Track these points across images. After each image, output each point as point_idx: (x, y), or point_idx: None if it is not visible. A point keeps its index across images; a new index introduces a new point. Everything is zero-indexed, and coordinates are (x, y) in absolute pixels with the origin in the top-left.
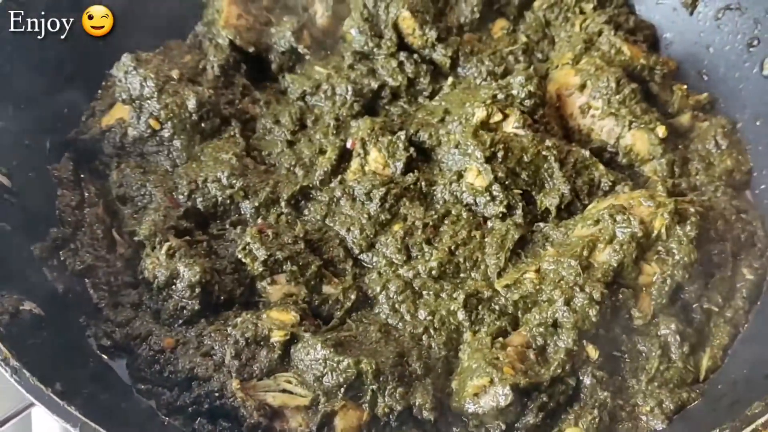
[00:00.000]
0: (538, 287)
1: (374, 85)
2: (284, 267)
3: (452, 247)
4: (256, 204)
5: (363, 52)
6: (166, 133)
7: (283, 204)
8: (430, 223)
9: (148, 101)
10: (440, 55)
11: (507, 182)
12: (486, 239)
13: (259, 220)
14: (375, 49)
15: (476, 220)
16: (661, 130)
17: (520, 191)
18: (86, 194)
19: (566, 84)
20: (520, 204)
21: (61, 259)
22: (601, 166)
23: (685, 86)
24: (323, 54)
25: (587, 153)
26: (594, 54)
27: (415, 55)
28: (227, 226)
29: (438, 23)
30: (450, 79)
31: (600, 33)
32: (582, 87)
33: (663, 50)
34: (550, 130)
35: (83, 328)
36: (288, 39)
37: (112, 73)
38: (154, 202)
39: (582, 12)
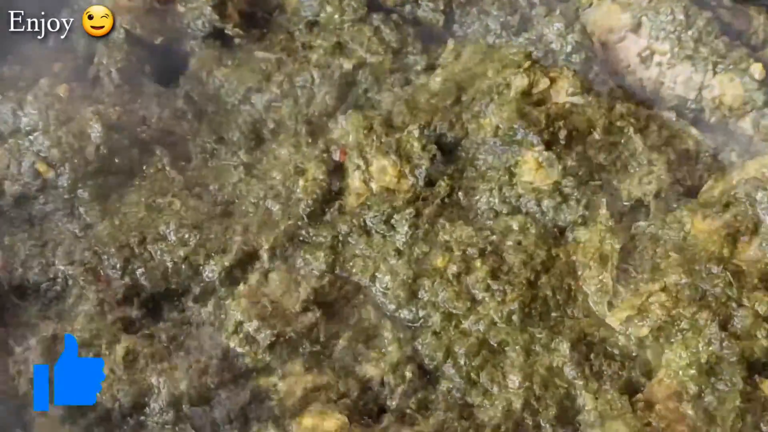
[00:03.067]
0: (673, 312)
1: (347, 65)
2: (300, 349)
3: (531, 278)
4: (226, 264)
5: (318, 21)
6: (64, 182)
7: (265, 258)
8: (488, 248)
9: (30, 137)
10: (428, 10)
11: (580, 172)
12: (575, 257)
13: (241, 287)
14: (336, 16)
15: (550, 232)
16: (757, 69)
17: (599, 182)
18: None
19: (611, 26)
20: (603, 200)
21: None
22: (694, 130)
23: (763, 8)
24: (258, 34)
25: (672, 115)
26: None
27: (394, 16)
28: (190, 304)
29: None
30: (451, 43)
31: None
32: (636, 26)
33: None
34: (610, 92)
35: None
36: (208, 17)
37: None
38: (75, 287)
39: None
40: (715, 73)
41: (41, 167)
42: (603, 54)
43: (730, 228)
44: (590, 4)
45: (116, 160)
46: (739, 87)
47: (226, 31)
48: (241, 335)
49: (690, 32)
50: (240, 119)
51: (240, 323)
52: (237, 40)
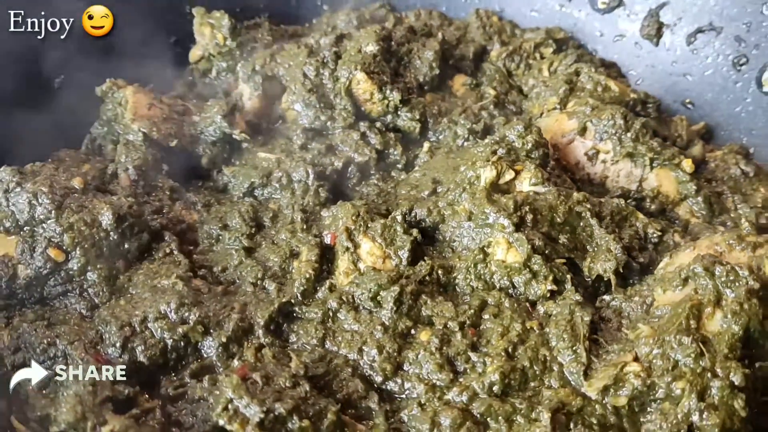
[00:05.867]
0: (648, 381)
1: (338, 164)
2: (289, 424)
3: (509, 349)
4: (223, 339)
5: (314, 128)
6: (75, 265)
7: (260, 333)
8: (468, 322)
9: (44, 225)
10: (406, 119)
11: (547, 251)
12: (548, 329)
13: (236, 362)
14: (329, 123)
15: (522, 306)
16: (687, 164)
17: (564, 259)
18: None
19: (561, 131)
20: (569, 276)
21: None
22: (641, 215)
23: (684, 117)
24: (261, 140)
25: (621, 201)
26: (580, 94)
27: (378, 124)
28: (187, 380)
29: (396, 84)
30: (426, 145)
31: (578, 73)
32: (582, 130)
33: (635, 87)
34: (563, 183)
35: None
36: (219, 125)
37: None
38: (71, 366)
39: (542, 57)
40: (652, 168)
41: (54, 253)
42: (555, 153)
43: (693, 301)
44: (541, 114)
45: (126, 246)
46: (674, 179)
47: (234, 136)
48: (230, 412)
49: (629, 134)
50: (244, 209)
51: (229, 400)
52: (245, 145)
